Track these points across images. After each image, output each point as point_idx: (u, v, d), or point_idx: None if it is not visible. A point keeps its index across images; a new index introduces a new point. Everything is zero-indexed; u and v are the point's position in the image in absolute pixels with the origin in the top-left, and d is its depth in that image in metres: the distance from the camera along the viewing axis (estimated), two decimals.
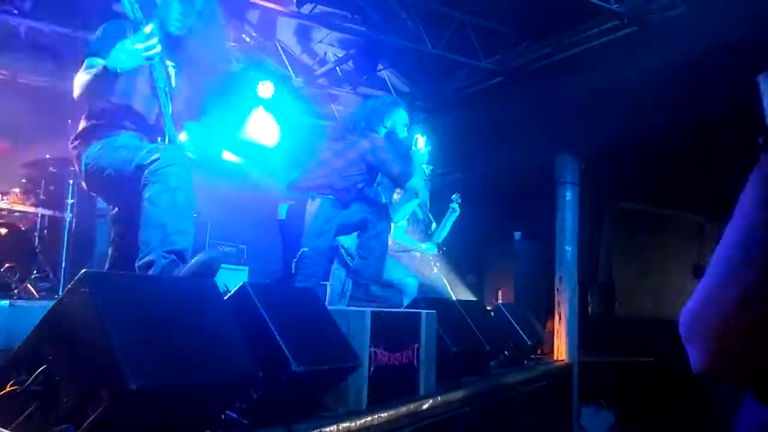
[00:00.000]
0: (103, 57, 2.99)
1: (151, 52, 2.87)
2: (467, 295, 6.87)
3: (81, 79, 3.06)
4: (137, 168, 2.93)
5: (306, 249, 4.32)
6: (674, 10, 5.63)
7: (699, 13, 5.37)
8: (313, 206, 4.40)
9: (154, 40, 2.86)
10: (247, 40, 7.62)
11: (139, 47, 2.83)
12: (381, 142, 4.59)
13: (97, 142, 3.16)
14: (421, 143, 4.69)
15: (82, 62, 3.13)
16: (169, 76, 3.28)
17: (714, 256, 0.90)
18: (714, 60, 4.98)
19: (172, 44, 3.39)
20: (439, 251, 6.71)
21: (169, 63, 3.30)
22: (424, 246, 6.57)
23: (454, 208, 6.74)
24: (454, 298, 5.97)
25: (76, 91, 3.08)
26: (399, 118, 4.78)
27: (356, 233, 4.80)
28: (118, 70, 2.88)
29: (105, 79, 2.94)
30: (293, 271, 4.32)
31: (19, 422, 1.73)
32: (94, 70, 2.98)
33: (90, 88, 3.03)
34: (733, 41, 4.73)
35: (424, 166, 4.84)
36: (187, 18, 3.35)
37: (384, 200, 5.66)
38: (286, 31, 7.65)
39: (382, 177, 5.77)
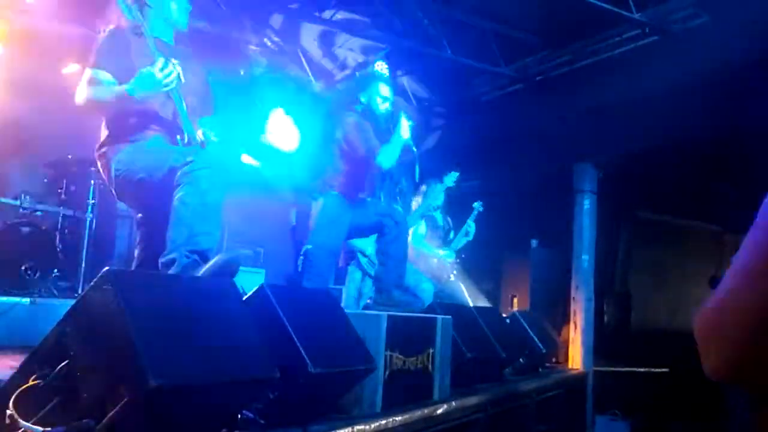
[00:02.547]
0: (109, 71, 3.16)
1: (171, 83, 3.08)
2: (483, 302, 6.86)
3: (91, 93, 3.15)
4: (170, 170, 2.99)
5: (310, 246, 4.28)
6: (697, 20, 5.62)
7: (721, 23, 5.35)
8: (317, 206, 4.37)
9: (172, 68, 3.06)
10: (269, 44, 7.67)
11: (159, 77, 3.01)
12: (351, 123, 4.45)
13: (125, 147, 3.22)
14: (404, 126, 4.41)
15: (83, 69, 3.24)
16: (179, 75, 3.33)
17: (734, 262, 0.91)
18: (735, 70, 4.96)
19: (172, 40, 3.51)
20: (457, 258, 6.70)
21: (173, 60, 3.35)
22: (442, 252, 6.57)
23: (475, 215, 6.73)
24: (471, 305, 5.97)
25: (84, 103, 3.16)
26: (374, 92, 4.63)
27: (375, 238, 4.74)
28: (138, 98, 3.07)
29: (125, 103, 3.10)
30: (300, 269, 4.31)
31: (40, 416, 1.76)
32: (112, 92, 3.11)
33: (105, 107, 3.18)
34: (755, 52, 4.71)
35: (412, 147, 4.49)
36: (181, 15, 3.46)
37: (400, 204, 5.65)
38: (307, 36, 7.70)
39: (397, 181, 5.77)
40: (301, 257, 4.30)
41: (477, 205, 6.75)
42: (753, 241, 0.90)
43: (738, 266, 0.90)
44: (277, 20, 7.42)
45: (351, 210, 4.46)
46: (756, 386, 0.91)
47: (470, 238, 6.69)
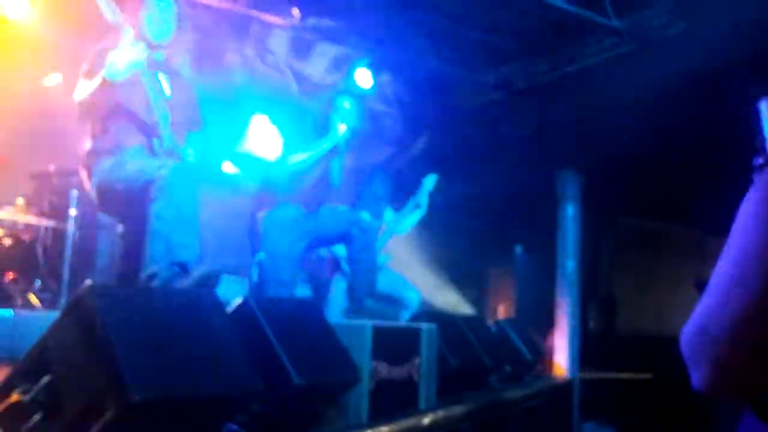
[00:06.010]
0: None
1: (138, 58, 3.06)
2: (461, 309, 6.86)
3: (82, 89, 3.19)
4: (146, 183, 2.98)
5: (262, 254, 4.24)
6: (674, 28, 5.67)
7: (699, 31, 5.40)
8: (260, 215, 4.35)
9: (140, 47, 3.06)
10: (249, 53, 7.66)
11: (128, 55, 3.01)
12: None
13: (106, 159, 3.23)
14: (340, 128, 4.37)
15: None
16: (161, 87, 3.33)
17: (714, 275, 0.91)
18: (713, 77, 5.02)
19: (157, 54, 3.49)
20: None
21: (161, 75, 3.33)
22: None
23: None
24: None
25: (79, 99, 3.19)
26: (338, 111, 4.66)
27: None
28: (114, 80, 3.05)
29: (104, 89, 3.09)
30: (257, 280, 4.27)
31: (24, 431, 1.74)
32: (94, 82, 3.11)
33: (91, 98, 3.16)
34: (732, 60, 4.77)
35: None
36: (165, 26, 3.43)
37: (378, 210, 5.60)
38: (282, 44, 7.69)
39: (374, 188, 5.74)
40: (256, 268, 4.27)
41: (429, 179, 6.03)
42: (730, 255, 0.91)
43: (718, 280, 0.91)
44: (256, 29, 7.41)
45: (306, 215, 4.37)
46: (747, 399, 0.92)
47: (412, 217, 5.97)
